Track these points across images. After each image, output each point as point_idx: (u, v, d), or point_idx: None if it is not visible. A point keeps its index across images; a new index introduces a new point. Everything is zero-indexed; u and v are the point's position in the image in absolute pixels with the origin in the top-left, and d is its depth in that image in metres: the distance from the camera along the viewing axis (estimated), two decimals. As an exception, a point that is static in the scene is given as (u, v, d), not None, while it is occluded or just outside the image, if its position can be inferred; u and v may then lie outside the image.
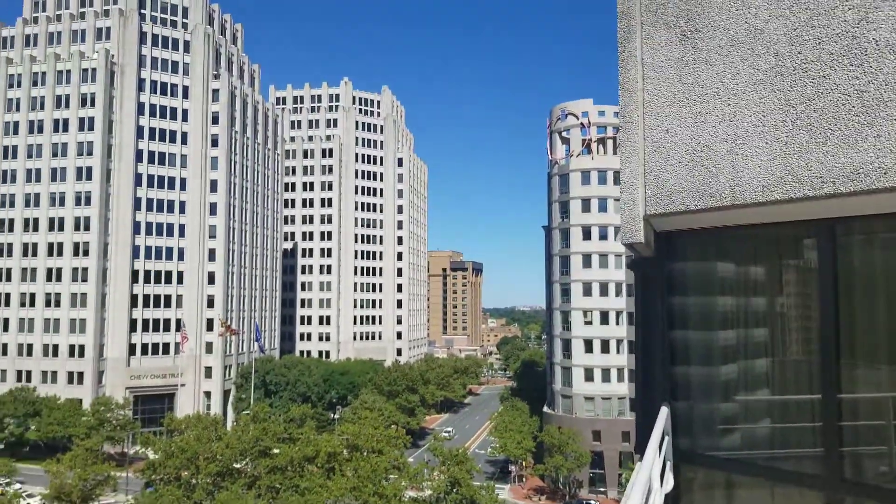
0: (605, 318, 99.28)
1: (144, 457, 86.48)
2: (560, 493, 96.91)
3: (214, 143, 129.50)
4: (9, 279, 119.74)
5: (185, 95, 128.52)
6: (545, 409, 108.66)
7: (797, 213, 5.72)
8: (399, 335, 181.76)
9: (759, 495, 7.29)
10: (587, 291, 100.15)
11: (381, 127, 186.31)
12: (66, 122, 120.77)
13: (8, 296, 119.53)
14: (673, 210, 6.19)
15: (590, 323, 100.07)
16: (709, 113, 5.89)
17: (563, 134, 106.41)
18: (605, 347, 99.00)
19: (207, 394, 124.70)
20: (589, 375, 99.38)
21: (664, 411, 7.52)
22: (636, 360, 9.48)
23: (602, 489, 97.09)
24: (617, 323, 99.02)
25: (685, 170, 6.07)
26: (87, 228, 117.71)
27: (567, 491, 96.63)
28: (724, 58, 5.78)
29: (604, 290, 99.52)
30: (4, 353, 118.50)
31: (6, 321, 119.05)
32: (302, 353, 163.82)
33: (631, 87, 6.38)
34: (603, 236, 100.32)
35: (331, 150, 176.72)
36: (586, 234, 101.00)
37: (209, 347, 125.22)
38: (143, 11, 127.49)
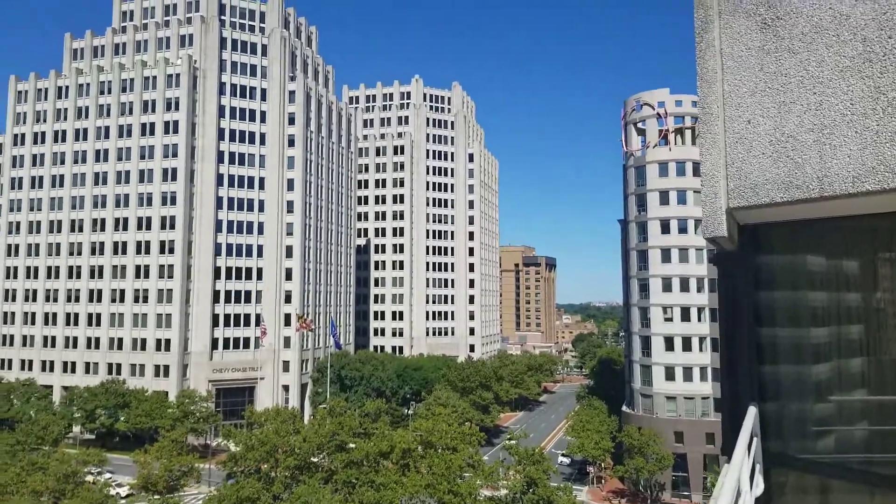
0: (686, 314, 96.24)
1: (226, 448, 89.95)
2: (641, 496, 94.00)
3: (291, 142, 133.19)
4: (101, 276, 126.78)
5: (263, 98, 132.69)
6: (624, 408, 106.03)
7: (891, 203, 5.43)
8: (472, 331, 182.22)
9: (855, 501, 6.95)
10: (667, 287, 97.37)
11: (452, 123, 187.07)
12: (152, 125, 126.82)
13: (100, 292, 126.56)
14: (757, 203, 5.97)
15: (670, 319, 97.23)
16: (793, 102, 5.67)
17: (639, 125, 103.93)
18: (686, 345, 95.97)
19: (285, 387, 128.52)
20: (670, 374, 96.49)
21: (752, 411, 7.25)
22: (721, 358, 9.20)
23: (686, 493, 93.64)
24: (699, 320, 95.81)
25: (769, 161, 5.85)
26: (172, 227, 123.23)
27: (648, 494, 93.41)
28: (809, 45, 5.55)
29: (684, 286, 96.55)
30: (97, 346, 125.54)
31: (98, 316, 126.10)
32: (376, 348, 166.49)
33: (710, 77, 6.19)
34: (682, 229, 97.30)
35: (402, 148, 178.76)
36: (665, 228, 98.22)
37: (287, 342, 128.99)
38: (222, 18, 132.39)
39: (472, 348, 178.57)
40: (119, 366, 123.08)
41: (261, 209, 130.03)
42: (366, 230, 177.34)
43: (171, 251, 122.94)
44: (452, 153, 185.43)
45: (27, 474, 69.38)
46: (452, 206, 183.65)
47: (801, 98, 5.55)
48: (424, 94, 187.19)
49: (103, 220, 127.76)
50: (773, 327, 8.24)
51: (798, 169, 5.63)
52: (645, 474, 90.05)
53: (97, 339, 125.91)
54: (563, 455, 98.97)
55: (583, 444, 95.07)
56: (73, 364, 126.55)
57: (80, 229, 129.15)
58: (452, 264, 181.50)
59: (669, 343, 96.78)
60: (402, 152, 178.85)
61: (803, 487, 7.39)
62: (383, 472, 66.23)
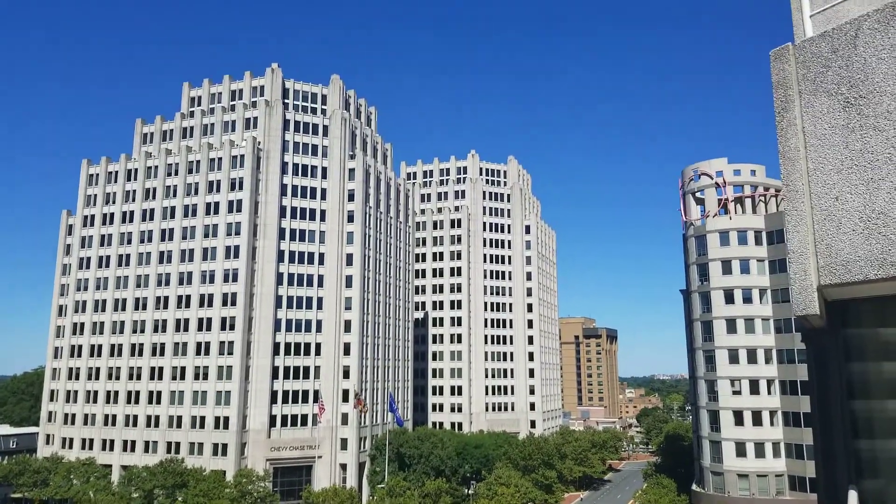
0: (755, 387, 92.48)
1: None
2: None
3: (350, 218, 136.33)
4: (162, 354, 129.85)
5: (324, 175, 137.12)
6: (694, 486, 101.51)
7: None
8: (532, 406, 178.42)
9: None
10: (733, 359, 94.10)
11: (508, 196, 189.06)
12: (216, 205, 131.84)
13: (161, 370, 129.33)
14: (850, 280, 5.87)
15: (738, 393, 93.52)
16: (882, 179, 5.63)
17: (697, 194, 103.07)
18: (757, 419, 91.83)
19: (343, 466, 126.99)
20: (741, 450, 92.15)
21: (853, 496, 6.92)
22: (814, 436, 8.84)
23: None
24: (769, 392, 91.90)
25: (860, 238, 5.77)
26: (233, 303, 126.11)
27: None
28: (894, 123, 5.55)
29: (752, 357, 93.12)
30: (157, 424, 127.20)
31: (159, 394, 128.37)
32: (434, 424, 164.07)
33: (793, 155, 6.21)
34: (747, 299, 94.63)
35: (459, 221, 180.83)
36: (728, 298, 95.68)
37: (345, 419, 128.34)
38: (286, 101, 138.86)
39: (532, 424, 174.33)
40: (178, 444, 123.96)
41: (320, 284, 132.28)
42: (423, 303, 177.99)
43: (232, 327, 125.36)
44: (509, 225, 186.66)
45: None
46: (510, 279, 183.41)
47: (890, 175, 5.52)
48: (480, 168, 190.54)
49: (167, 298, 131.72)
50: (867, 401, 7.94)
51: (891, 245, 5.54)
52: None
53: (157, 418, 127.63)
54: None
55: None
56: (133, 443, 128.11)
57: (144, 307, 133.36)
58: (511, 337, 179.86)
59: (739, 417, 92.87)
60: (458, 225, 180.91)
61: None
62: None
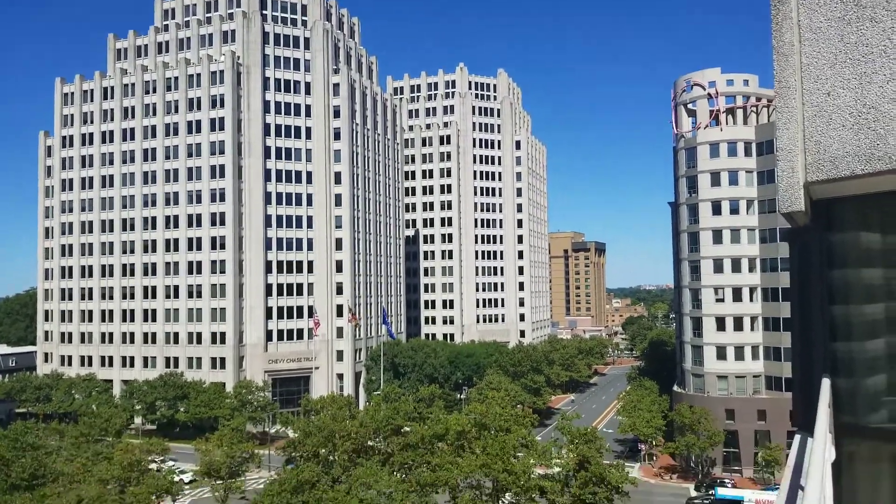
0: (737, 294, 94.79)
1: (284, 436, 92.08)
2: (692, 471, 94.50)
3: (337, 136, 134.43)
4: (154, 273, 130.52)
5: (308, 91, 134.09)
6: (675, 388, 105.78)
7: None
8: (522, 317, 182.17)
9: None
10: (718, 268, 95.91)
11: (498, 110, 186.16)
12: (198, 123, 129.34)
13: (154, 288, 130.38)
14: (837, 176, 5.97)
15: (721, 300, 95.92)
16: (875, 72, 5.65)
17: (689, 106, 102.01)
18: (738, 325, 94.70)
19: (340, 376, 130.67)
20: (721, 354, 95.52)
21: (826, 384, 7.29)
22: (793, 332, 9.20)
23: (737, 468, 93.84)
24: (751, 300, 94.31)
25: (850, 133, 5.84)
26: (222, 223, 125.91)
27: (700, 470, 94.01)
28: (892, 13, 5.51)
29: (736, 267, 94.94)
30: (154, 341, 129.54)
31: (154, 312, 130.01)
32: (427, 336, 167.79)
33: (786, 50, 6.19)
34: (734, 210, 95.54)
35: (448, 137, 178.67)
36: (716, 209, 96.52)
37: (340, 332, 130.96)
38: (264, 12, 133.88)
39: (522, 334, 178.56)
40: (176, 359, 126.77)
41: (309, 203, 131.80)
42: (414, 221, 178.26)
43: (223, 247, 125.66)
44: (499, 141, 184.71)
45: (93, 464, 72.21)
46: (500, 195, 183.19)
47: (884, 68, 5.54)
48: (469, 82, 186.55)
49: (154, 219, 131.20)
50: (846, 303, 8.23)
51: (880, 140, 5.63)
52: (696, 451, 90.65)
53: (153, 335, 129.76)
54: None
55: (634, 423, 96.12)
56: (132, 359, 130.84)
57: (132, 228, 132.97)
58: (501, 252, 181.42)
59: (721, 323, 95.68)
60: (448, 142, 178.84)
61: (875, 456, 7.39)
62: (439, 454, 67.03)
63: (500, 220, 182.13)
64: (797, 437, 8.03)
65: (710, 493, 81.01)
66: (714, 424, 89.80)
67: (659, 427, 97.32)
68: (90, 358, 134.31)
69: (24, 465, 69.00)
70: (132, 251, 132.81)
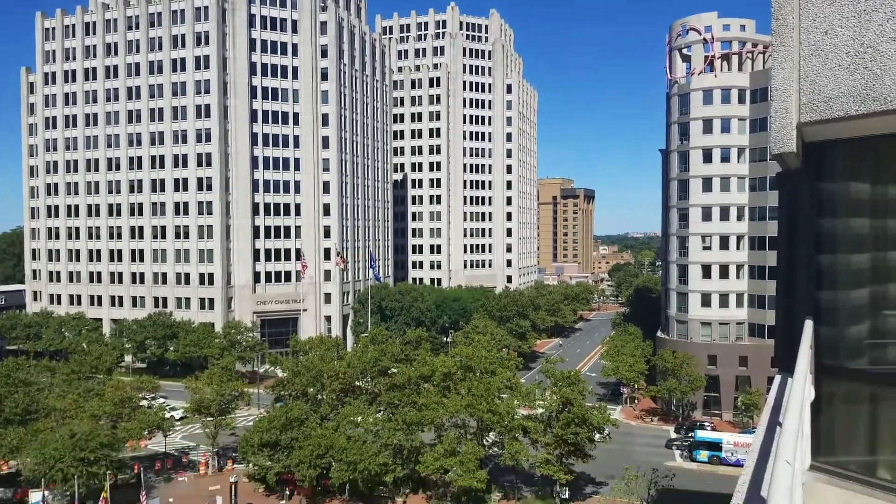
0: (724, 242, 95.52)
1: (273, 375, 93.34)
2: (673, 414, 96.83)
3: (324, 76, 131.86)
4: (141, 214, 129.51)
5: (294, 29, 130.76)
6: (659, 334, 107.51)
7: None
8: (509, 263, 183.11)
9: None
10: (706, 216, 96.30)
11: (489, 52, 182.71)
12: (183, 61, 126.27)
13: (141, 229, 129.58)
14: (831, 117, 5.92)
15: (708, 248, 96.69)
16: (874, 10, 5.53)
17: (684, 51, 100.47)
18: (723, 273, 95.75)
19: (328, 318, 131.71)
20: (706, 301, 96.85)
21: (808, 325, 7.41)
22: (778, 280, 9.29)
23: (717, 411, 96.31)
24: (738, 248, 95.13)
25: (846, 73, 5.76)
26: (209, 164, 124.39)
27: (680, 413, 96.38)
28: (895, -51, 5.38)
29: (724, 215, 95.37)
30: (142, 281, 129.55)
31: (141, 252, 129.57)
32: (414, 280, 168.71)
33: (787, -14, 6.04)
34: (725, 158, 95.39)
35: (438, 80, 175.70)
36: (707, 157, 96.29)
37: (327, 275, 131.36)
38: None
39: (509, 279, 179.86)
40: (165, 299, 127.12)
41: (296, 145, 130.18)
42: (402, 165, 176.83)
43: (209, 188, 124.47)
44: (490, 84, 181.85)
45: (85, 400, 73.04)
46: (490, 139, 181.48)
47: (883, 5, 5.43)
48: (461, 23, 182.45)
49: (140, 159, 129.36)
50: (833, 248, 8.30)
51: (876, 80, 5.56)
52: (678, 395, 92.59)
53: (142, 275, 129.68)
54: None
55: (617, 368, 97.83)
56: (121, 298, 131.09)
57: (118, 168, 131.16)
58: (490, 198, 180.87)
59: (707, 271, 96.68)
60: (437, 84, 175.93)
61: (853, 396, 7.61)
62: (425, 395, 68.32)
63: (489, 166, 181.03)
64: (777, 378, 8.23)
65: (690, 435, 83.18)
66: (696, 370, 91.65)
67: (641, 371, 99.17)
68: (79, 297, 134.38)
69: (16, 401, 69.67)
70: (118, 191, 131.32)
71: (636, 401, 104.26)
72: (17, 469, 66.14)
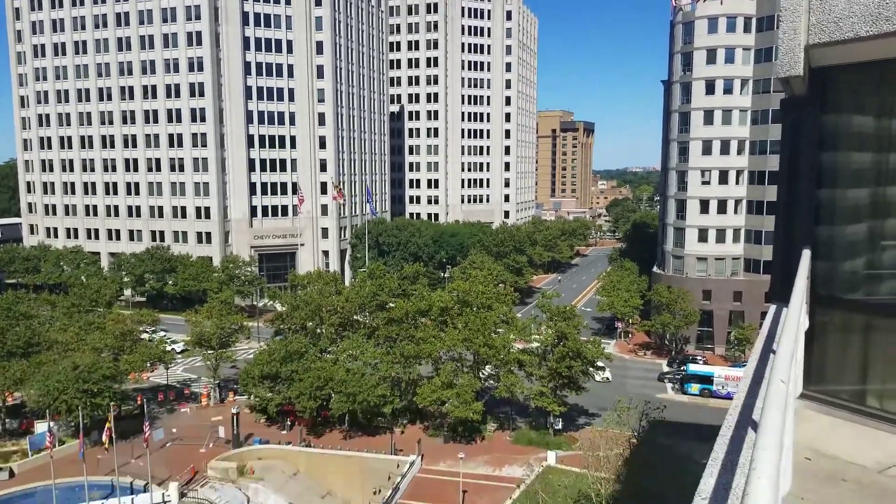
0: (724, 177, 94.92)
1: (272, 309, 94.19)
2: (666, 349, 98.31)
3: (318, 1, 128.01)
4: (135, 145, 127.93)
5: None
6: (654, 269, 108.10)
7: None
8: (506, 198, 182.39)
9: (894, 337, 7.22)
10: (707, 150, 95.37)
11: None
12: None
13: (136, 161, 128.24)
14: (840, 38, 5.68)
15: (707, 183, 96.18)
16: (892, -78, 5.21)
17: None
18: (722, 208, 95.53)
19: (325, 253, 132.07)
20: (703, 236, 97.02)
21: (806, 254, 7.35)
22: (778, 206, 9.17)
23: (709, 346, 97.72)
24: (737, 182, 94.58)
25: (858, -9, 5.49)
26: (202, 95, 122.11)
27: (673, 347, 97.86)
28: None
29: (725, 149, 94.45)
30: (138, 214, 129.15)
31: (137, 185, 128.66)
32: (411, 215, 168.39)
33: None
34: (728, 90, 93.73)
35: (436, 6, 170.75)
36: (709, 89, 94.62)
37: (324, 210, 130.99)
38: None
39: (506, 215, 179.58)
40: (162, 233, 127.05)
41: (290, 75, 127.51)
42: (399, 96, 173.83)
43: (203, 119, 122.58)
44: (489, 11, 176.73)
45: (86, 333, 73.87)
46: (489, 70, 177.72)
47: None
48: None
49: (131, 88, 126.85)
50: (834, 183, 8.18)
51: (889, -1, 5.30)
52: (671, 329, 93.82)
53: (138, 208, 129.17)
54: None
55: (612, 303, 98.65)
56: (117, 232, 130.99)
57: (109, 98, 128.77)
58: (488, 131, 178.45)
59: (705, 206, 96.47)
60: (435, 11, 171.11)
61: (847, 326, 7.66)
62: (422, 329, 69.26)
63: (488, 97, 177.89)
64: (772, 308, 8.22)
65: (682, 368, 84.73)
66: (690, 304, 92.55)
67: (636, 306, 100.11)
68: (76, 230, 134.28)
69: (18, 334, 70.44)
70: (111, 122, 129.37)
71: (630, 335, 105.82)
72: (22, 400, 67.50)
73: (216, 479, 58.09)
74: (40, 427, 60.54)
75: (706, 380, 78.57)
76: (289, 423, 67.51)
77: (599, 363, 75.97)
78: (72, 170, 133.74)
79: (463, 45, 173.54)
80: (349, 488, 60.80)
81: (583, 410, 71.91)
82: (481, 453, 62.21)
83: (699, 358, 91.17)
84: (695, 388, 78.79)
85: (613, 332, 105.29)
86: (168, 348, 78.30)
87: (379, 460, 60.60)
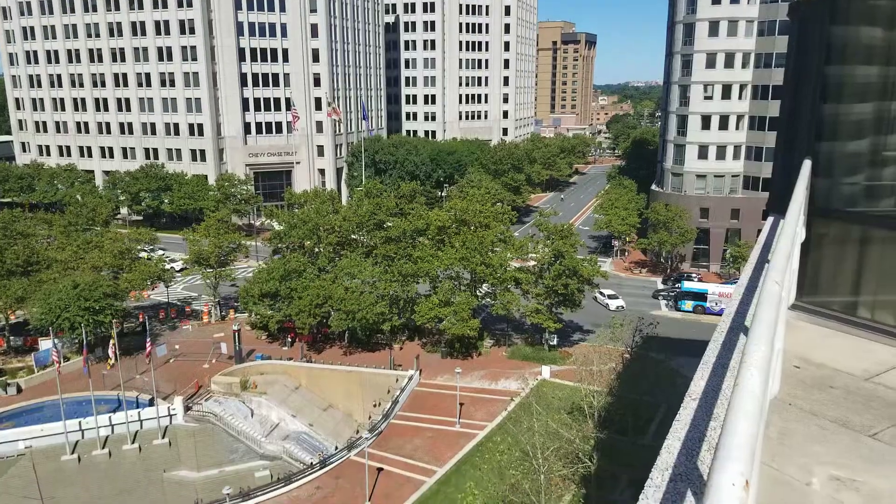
0: (727, 91, 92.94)
1: (269, 228, 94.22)
2: (661, 266, 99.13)
3: None
4: (123, 59, 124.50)
5: None
6: (653, 187, 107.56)
7: None
8: (505, 114, 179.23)
9: (891, 250, 7.20)
10: (711, 63, 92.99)
11: None
12: None
13: (125, 76, 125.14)
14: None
15: (710, 98, 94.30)
16: None
17: None
18: (723, 124, 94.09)
19: (321, 171, 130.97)
20: (703, 153, 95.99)
21: (807, 164, 7.19)
22: (782, 104, 8.94)
23: (705, 263, 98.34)
24: (740, 97, 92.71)
25: None
26: (189, 5, 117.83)
27: (669, 265, 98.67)
28: None
29: (729, 62, 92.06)
30: (131, 132, 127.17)
31: (128, 101, 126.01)
32: (408, 132, 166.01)
33: None
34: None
35: None
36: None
37: (319, 126, 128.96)
38: None
39: (505, 132, 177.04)
40: (156, 150, 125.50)
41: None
42: (394, 6, 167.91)
43: (192, 31, 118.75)
44: None
45: (84, 252, 74.04)
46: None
47: None
48: None
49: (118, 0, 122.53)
50: (838, 97, 7.96)
51: None
52: (667, 247, 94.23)
53: (130, 125, 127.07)
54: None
55: (610, 221, 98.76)
56: (111, 149, 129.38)
57: (94, 8, 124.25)
58: (487, 43, 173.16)
59: (706, 122, 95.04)
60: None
61: (844, 237, 7.63)
62: (420, 248, 69.50)
63: (487, 7, 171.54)
64: (770, 219, 8.13)
65: (677, 286, 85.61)
66: (687, 222, 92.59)
67: (633, 225, 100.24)
68: (68, 148, 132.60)
69: (17, 253, 70.58)
70: (97, 34, 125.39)
71: (626, 253, 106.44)
72: (25, 319, 68.40)
73: (220, 394, 59.66)
74: (44, 344, 61.59)
75: (700, 297, 79.57)
76: (289, 339, 68.74)
77: (610, 291, 77.37)
78: (60, 85, 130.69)
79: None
80: (350, 401, 62.59)
81: (577, 327, 73.21)
82: (478, 368, 63.68)
83: (694, 275, 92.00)
84: (688, 305, 79.91)
85: (610, 250, 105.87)
86: (167, 267, 78.66)
87: (378, 375, 62.09)
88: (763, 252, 5.87)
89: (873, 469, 4.54)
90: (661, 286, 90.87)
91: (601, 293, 79.36)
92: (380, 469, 47.82)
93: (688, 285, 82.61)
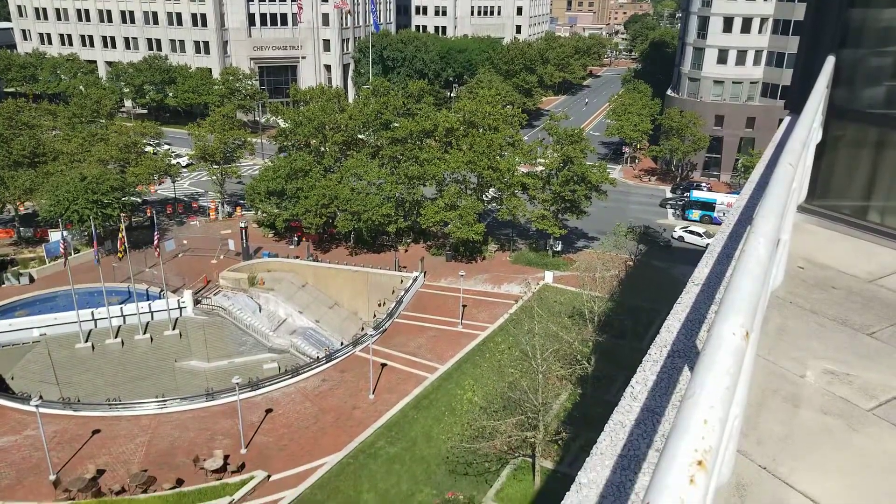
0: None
1: (275, 125, 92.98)
2: (671, 175, 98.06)
3: None
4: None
5: None
6: (668, 92, 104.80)
7: None
8: (519, 10, 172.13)
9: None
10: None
11: None
12: None
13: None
14: None
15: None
16: None
17: None
18: (746, 27, 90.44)
19: (327, 67, 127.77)
20: (722, 57, 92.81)
21: (830, 61, 6.91)
22: (806, 15, 8.51)
23: (715, 172, 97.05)
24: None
25: None
26: None
27: (679, 173, 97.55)
28: None
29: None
30: (132, 20, 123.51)
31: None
32: (418, 27, 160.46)
33: None
34: None
35: None
36: None
37: (326, 19, 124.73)
38: None
39: (518, 30, 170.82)
40: (159, 41, 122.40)
41: None
42: None
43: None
44: None
45: (90, 144, 73.52)
46: None
47: None
48: None
49: None
50: (867, 3, 7.54)
51: None
52: (679, 155, 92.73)
53: (131, 13, 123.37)
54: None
55: (622, 127, 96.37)
56: (113, 39, 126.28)
57: None
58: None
59: (728, 24, 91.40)
60: None
61: (860, 139, 7.46)
62: (426, 150, 68.71)
63: None
64: (787, 119, 7.90)
65: (686, 195, 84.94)
66: (701, 129, 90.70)
67: (645, 131, 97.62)
68: (70, 37, 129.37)
69: (23, 143, 70.06)
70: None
71: (637, 160, 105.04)
72: (34, 210, 68.82)
73: (228, 289, 60.78)
74: (54, 236, 62.26)
75: (708, 206, 79.10)
76: (296, 238, 69.27)
77: (603, 188, 75.99)
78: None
79: None
80: (355, 300, 63.78)
81: (582, 234, 73.37)
82: (481, 272, 64.39)
83: (704, 185, 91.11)
84: (696, 214, 79.56)
85: (620, 157, 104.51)
86: (173, 162, 78.26)
87: (383, 275, 62.94)
88: (777, 151, 5.72)
89: (867, 365, 4.59)
90: (669, 195, 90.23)
91: (690, 232, 72.72)
92: (383, 364, 49.32)
93: (696, 194, 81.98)
